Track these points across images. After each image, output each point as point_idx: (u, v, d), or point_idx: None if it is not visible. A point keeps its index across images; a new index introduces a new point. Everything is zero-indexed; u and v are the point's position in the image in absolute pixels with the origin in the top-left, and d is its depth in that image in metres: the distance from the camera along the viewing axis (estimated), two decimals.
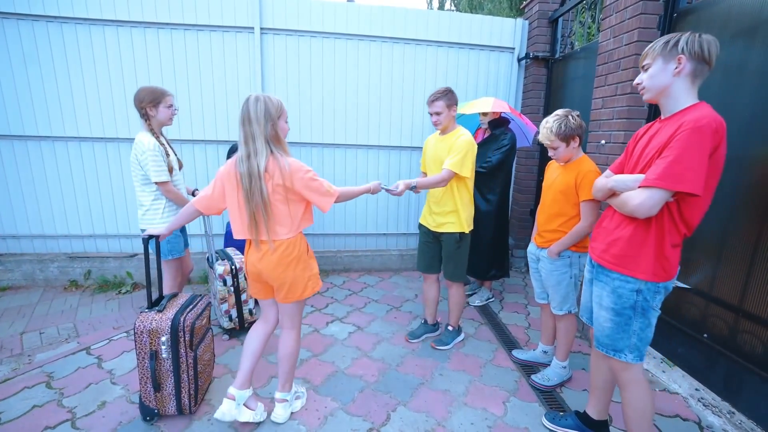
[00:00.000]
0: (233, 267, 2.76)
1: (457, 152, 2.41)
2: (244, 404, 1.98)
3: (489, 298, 3.58)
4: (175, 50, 3.63)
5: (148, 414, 2.04)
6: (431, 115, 2.48)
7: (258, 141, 1.68)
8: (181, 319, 1.97)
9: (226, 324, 2.82)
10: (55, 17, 3.43)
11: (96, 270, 3.77)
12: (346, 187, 1.99)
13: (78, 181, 3.72)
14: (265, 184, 1.69)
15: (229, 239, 3.16)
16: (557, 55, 3.92)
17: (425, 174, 2.71)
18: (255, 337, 2.01)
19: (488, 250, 3.34)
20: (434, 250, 2.71)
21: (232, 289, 2.77)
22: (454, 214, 2.53)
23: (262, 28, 3.68)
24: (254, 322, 2.83)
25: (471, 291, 3.71)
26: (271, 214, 1.73)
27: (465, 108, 3.31)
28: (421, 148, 4.11)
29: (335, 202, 1.85)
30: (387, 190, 2.29)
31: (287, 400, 2.07)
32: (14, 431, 1.97)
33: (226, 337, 2.84)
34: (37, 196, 3.70)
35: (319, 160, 4.02)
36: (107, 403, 2.18)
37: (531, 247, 2.40)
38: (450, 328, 2.84)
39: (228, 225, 3.26)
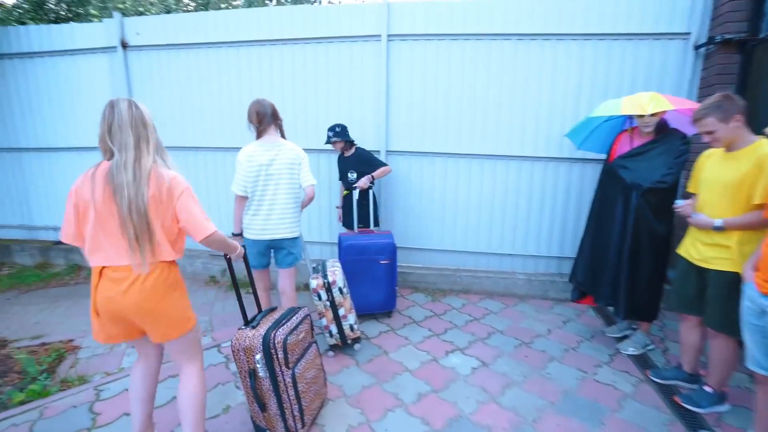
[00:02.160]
0: (326, 281, 2.57)
1: None
2: None
3: (647, 346, 2.82)
4: (307, 63, 3.73)
5: None
6: (702, 135, 2.04)
7: (150, 145, 1.51)
8: (272, 336, 1.82)
9: (329, 340, 2.67)
10: (201, 43, 3.83)
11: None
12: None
13: (222, 186, 4.09)
14: (147, 192, 1.46)
15: (343, 253, 3.04)
16: (763, 34, 2.94)
17: (692, 194, 2.23)
18: (138, 380, 1.72)
19: (654, 283, 2.62)
20: (694, 287, 2.16)
21: (328, 303, 2.59)
22: (728, 249, 1.98)
23: (389, 35, 3.56)
24: (357, 338, 2.67)
25: (620, 333, 2.98)
26: (153, 226, 1.49)
27: (627, 107, 2.66)
28: (560, 158, 3.54)
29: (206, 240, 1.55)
30: (680, 209, 2.16)
31: None
32: (158, 419, 2.08)
33: (331, 353, 2.69)
34: None
35: (443, 170, 3.72)
36: (231, 409, 2.18)
37: (751, 293, 1.71)
38: (708, 389, 2.18)
39: (340, 237, 3.16)
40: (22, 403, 2.27)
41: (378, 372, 2.50)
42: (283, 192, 2.41)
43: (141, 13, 9.32)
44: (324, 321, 2.62)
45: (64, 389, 2.40)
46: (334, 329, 2.63)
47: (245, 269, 2.04)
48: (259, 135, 2.46)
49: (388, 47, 3.58)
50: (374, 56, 3.62)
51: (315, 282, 2.57)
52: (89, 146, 4.33)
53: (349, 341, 2.68)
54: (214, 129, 4.02)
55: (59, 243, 4.59)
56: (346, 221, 3.58)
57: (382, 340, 2.88)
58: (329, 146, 3.78)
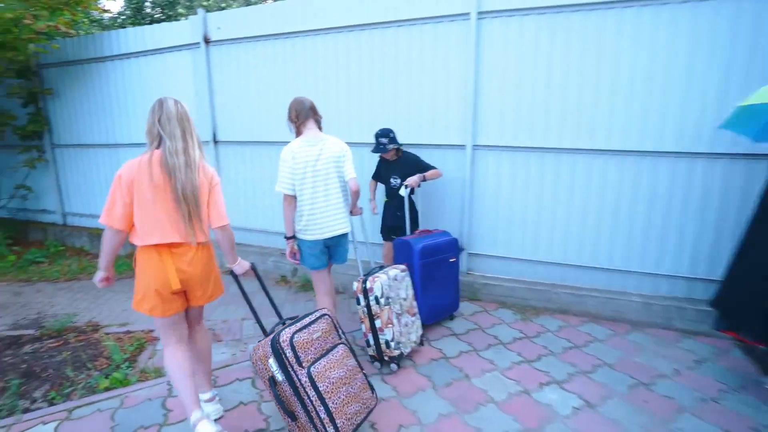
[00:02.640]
0: (364, 286, 2.50)
1: None
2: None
3: None
4: (386, 49, 3.63)
5: None
6: None
7: (194, 138, 1.87)
8: (279, 336, 1.86)
9: (368, 350, 2.63)
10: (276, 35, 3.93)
11: (301, 269, 4.15)
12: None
13: None
14: (197, 176, 1.84)
15: (417, 256, 2.90)
16: None
17: None
18: (185, 359, 1.96)
19: None
20: None
21: (365, 310, 2.54)
22: None
23: (479, 12, 3.31)
24: (395, 357, 2.54)
25: None
26: (201, 207, 1.87)
27: None
28: (695, 153, 2.98)
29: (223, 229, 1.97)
30: None
31: (216, 397, 2.21)
32: (224, 424, 2.12)
33: (377, 365, 2.62)
34: (255, 194, 4.37)
35: (539, 167, 3.36)
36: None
37: None
38: None
39: (405, 241, 3.03)
40: (107, 389, 2.48)
41: (458, 399, 2.30)
42: (334, 187, 2.50)
43: (223, 9, 10.13)
44: (363, 328, 2.59)
45: (142, 380, 2.58)
46: (370, 339, 2.57)
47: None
48: (298, 131, 2.51)
49: (478, 27, 3.33)
50: (461, 38, 3.39)
51: (356, 284, 2.55)
52: None
53: (386, 358, 2.55)
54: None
55: None
56: (397, 228, 3.35)
57: (464, 362, 2.67)
58: (413, 138, 3.66)
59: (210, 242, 2.00)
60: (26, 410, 2.34)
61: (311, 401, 1.81)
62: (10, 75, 5.06)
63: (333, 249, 2.61)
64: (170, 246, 1.84)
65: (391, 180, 3.33)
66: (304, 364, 1.84)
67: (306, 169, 2.40)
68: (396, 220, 3.36)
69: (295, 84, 4.03)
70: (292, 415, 1.87)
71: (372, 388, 2.09)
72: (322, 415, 1.80)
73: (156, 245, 1.82)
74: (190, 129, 1.86)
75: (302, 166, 2.39)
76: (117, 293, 4.02)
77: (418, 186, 3.21)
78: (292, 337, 1.85)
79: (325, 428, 1.81)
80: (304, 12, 3.87)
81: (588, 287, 3.37)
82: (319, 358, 1.90)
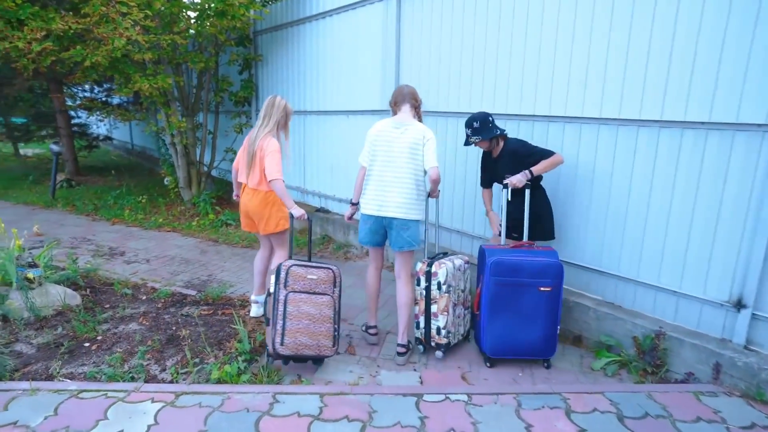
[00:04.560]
0: (429, 270, 2.87)
1: None
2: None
3: None
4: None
5: (268, 351, 2.71)
6: None
7: (271, 120, 3.11)
8: (285, 262, 2.72)
9: (415, 332, 3.02)
10: None
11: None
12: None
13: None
14: (258, 146, 3.06)
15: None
16: None
17: None
18: (260, 260, 3.49)
19: None
20: None
21: (423, 293, 2.92)
22: None
23: None
24: (442, 345, 2.93)
25: None
26: (256, 165, 3.09)
27: None
28: None
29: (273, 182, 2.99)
30: None
31: (259, 302, 3.44)
32: None
33: (438, 354, 2.95)
34: None
35: None
36: None
37: None
38: None
39: (484, 250, 2.93)
40: (217, 381, 2.57)
41: None
42: (403, 172, 2.82)
43: None
44: (416, 309, 2.98)
45: (252, 382, 2.58)
46: (421, 322, 2.96)
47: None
48: (394, 114, 2.97)
49: None
50: None
51: (419, 265, 2.95)
52: (357, 110, 4.85)
53: (432, 344, 2.94)
54: (497, 87, 3.52)
55: (318, 210, 5.47)
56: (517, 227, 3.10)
57: None
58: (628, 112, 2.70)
59: (263, 191, 3.11)
60: (151, 378, 2.62)
61: (277, 313, 2.61)
62: (230, 44, 6.13)
63: (389, 232, 2.95)
64: (244, 185, 3.22)
65: (504, 180, 2.94)
66: (288, 288, 2.65)
67: (379, 148, 2.86)
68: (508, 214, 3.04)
69: (496, 40, 3.45)
70: (267, 321, 2.71)
71: (335, 342, 2.72)
72: (278, 327, 2.58)
73: (243, 183, 3.24)
74: (270, 113, 3.10)
75: (377, 143, 2.87)
76: None
77: (526, 185, 2.89)
78: (291, 266, 2.69)
79: (275, 338, 2.57)
80: None
81: None
82: (301, 292, 2.67)
